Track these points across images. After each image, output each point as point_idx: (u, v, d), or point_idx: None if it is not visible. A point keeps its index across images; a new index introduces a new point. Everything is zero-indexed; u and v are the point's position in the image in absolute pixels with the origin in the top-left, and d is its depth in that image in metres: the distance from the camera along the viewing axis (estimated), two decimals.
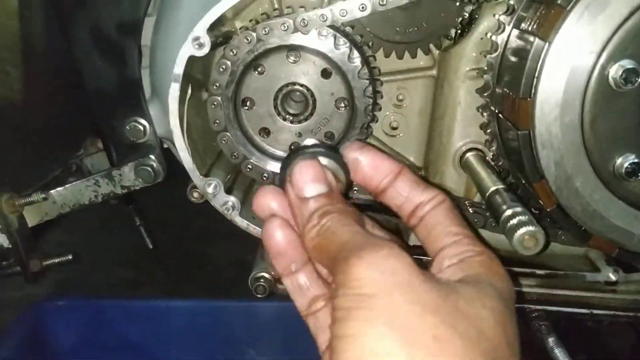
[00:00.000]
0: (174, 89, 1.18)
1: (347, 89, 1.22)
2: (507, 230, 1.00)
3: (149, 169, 1.46)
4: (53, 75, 1.59)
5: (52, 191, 1.52)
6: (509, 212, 1.02)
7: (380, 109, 1.35)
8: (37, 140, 1.58)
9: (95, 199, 1.54)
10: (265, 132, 1.26)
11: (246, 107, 1.24)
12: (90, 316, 2.35)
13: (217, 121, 1.22)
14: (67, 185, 1.52)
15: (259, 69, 1.21)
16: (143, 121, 1.45)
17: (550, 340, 1.37)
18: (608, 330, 1.96)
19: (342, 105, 1.23)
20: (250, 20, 1.27)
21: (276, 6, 1.30)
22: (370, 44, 1.27)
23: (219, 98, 1.20)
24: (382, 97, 1.33)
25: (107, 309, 2.36)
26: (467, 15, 1.26)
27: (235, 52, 1.17)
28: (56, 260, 1.57)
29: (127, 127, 1.45)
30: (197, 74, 1.28)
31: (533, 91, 1.03)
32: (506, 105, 1.13)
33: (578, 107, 1.02)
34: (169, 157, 1.50)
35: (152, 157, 1.46)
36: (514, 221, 1.00)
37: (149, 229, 2.30)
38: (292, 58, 1.20)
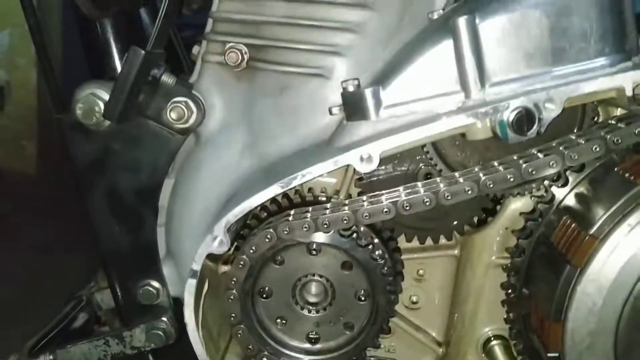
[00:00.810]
0: (191, 285, 1.15)
1: (368, 282, 1.19)
2: None
3: (161, 332, 1.42)
4: None
5: (59, 350, 1.48)
6: None
7: (401, 291, 1.31)
8: None
9: (105, 359, 1.49)
10: (281, 320, 1.22)
11: (263, 297, 1.21)
12: None
13: (234, 315, 1.18)
14: (76, 345, 1.48)
15: (278, 260, 1.19)
16: (156, 284, 1.42)
17: None
18: None
19: (363, 297, 1.20)
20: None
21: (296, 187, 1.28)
22: (392, 229, 1.25)
23: (236, 292, 1.17)
24: (403, 279, 1.30)
25: None
26: (490, 204, 1.24)
27: (255, 249, 1.14)
28: None
29: (140, 291, 1.42)
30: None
31: (564, 316, 0.99)
32: (535, 316, 1.09)
33: (611, 337, 0.98)
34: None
35: (164, 319, 1.42)
36: None
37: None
38: (312, 251, 1.18)
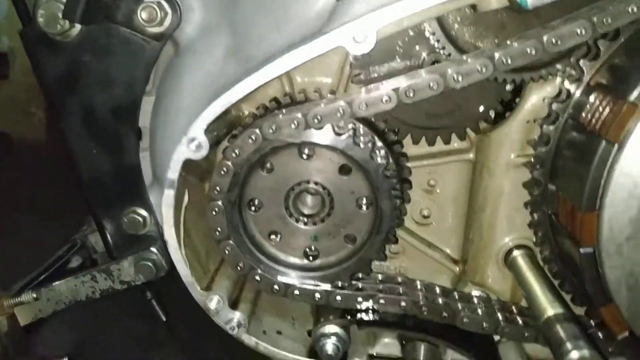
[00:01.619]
0: (169, 197, 1.02)
1: (369, 187, 1.04)
2: None
3: (150, 263, 1.30)
4: None
5: (44, 289, 1.37)
6: (575, 355, 0.83)
7: (409, 201, 1.16)
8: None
9: (93, 295, 1.39)
10: (275, 235, 1.09)
11: (253, 210, 1.07)
12: None
13: (219, 229, 1.05)
14: (61, 281, 1.38)
15: (267, 167, 1.05)
16: (143, 211, 1.30)
17: None
18: None
19: (365, 204, 1.06)
20: (258, 108, 1.11)
21: (287, 90, 1.13)
22: (396, 129, 1.10)
23: (221, 203, 1.03)
24: (411, 187, 1.15)
25: None
26: (509, 95, 1.08)
27: (238, 152, 1.00)
28: None
29: (125, 219, 1.30)
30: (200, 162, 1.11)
31: (599, 203, 0.84)
32: (563, 211, 0.94)
33: None
34: None
35: (154, 249, 1.30)
36: None
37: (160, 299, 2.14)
38: (304, 154, 1.03)
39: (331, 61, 1.12)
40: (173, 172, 1.01)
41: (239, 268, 1.07)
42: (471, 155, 1.17)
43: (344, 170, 1.04)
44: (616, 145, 0.81)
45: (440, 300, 1.09)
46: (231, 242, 1.06)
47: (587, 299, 0.99)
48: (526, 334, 1.08)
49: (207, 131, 1.00)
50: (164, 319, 2.15)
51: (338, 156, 1.03)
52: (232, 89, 0.97)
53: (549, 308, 0.94)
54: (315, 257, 1.09)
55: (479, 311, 1.09)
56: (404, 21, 0.95)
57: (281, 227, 1.08)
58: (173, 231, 1.03)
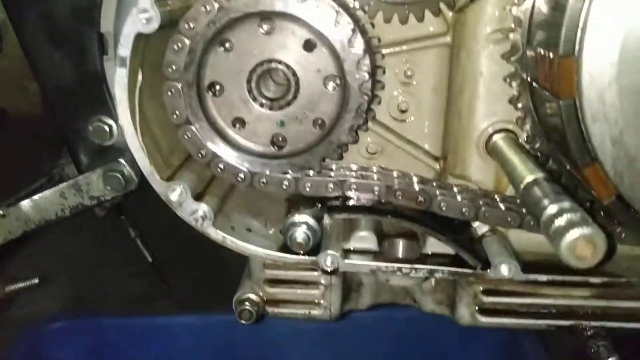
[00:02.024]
0: (121, 75, 0.95)
1: (336, 63, 0.97)
2: (552, 233, 0.74)
3: (119, 175, 1.24)
4: None
5: (12, 207, 1.32)
6: (553, 209, 0.76)
7: (383, 88, 1.10)
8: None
9: (63, 213, 1.33)
10: (239, 122, 1.02)
11: (213, 94, 1.00)
12: (93, 337, 2.16)
13: (177, 112, 0.99)
14: (28, 200, 1.32)
15: (226, 45, 0.98)
16: (109, 120, 1.24)
17: None
18: None
19: (332, 84, 0.99)
20: None
21: None
22: (365, 7, 1.03)
23: (177, 84, 0.97)
24: (384, 73, 1.09)
25: (110, 330, 2.17)
26: None
27: (192, 25, 0.93)
28: (21, 285, 1.38)
29: (91, 128, 1.24)
30: (154, 55, 1.04)
31: (577, 47, 0.77)
32: (542, 69, 0.86)
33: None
34: None
35: (122, 161, 1.24)
36: (560, 221, 0.74)
37: (148, 240, 2.10)
38: (264, 28, 0.96)
39: None
40: (124, 49, 0.94)
41: (200, 155, 1.01)
42: (448, 39, 1.10)
43: (308, 45, 0.97)
44: None
45: (416, 187, 1.03)
46: (192, 127, 1.00)
47: (573, 178, 0.93)
48: (509, 219, 1.02)
49: (160, 4, 0.93)
50: (150, 260, 2.13)
51: (301, 29, 0.96)
52: None
53: (530, 175, 0.87)
54: (282, 145, 1.03)
55: (459, 197, 1.03)
56: None
57: (245, 113, 1.02)
58: (128, 114, 0.97)
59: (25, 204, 1.32)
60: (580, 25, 0.77)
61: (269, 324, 2.08)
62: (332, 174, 1.05)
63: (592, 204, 0.93)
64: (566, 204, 0.76)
